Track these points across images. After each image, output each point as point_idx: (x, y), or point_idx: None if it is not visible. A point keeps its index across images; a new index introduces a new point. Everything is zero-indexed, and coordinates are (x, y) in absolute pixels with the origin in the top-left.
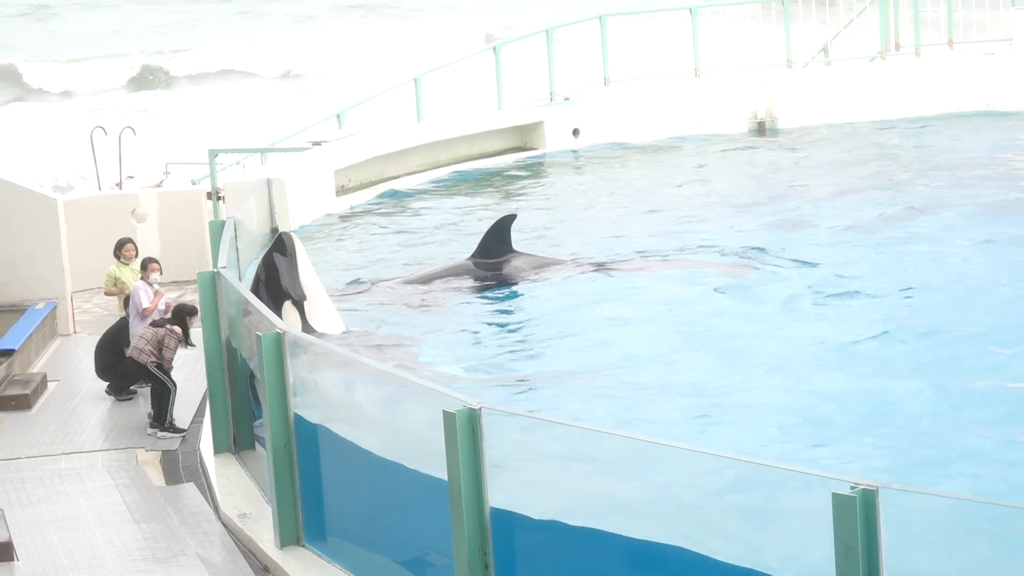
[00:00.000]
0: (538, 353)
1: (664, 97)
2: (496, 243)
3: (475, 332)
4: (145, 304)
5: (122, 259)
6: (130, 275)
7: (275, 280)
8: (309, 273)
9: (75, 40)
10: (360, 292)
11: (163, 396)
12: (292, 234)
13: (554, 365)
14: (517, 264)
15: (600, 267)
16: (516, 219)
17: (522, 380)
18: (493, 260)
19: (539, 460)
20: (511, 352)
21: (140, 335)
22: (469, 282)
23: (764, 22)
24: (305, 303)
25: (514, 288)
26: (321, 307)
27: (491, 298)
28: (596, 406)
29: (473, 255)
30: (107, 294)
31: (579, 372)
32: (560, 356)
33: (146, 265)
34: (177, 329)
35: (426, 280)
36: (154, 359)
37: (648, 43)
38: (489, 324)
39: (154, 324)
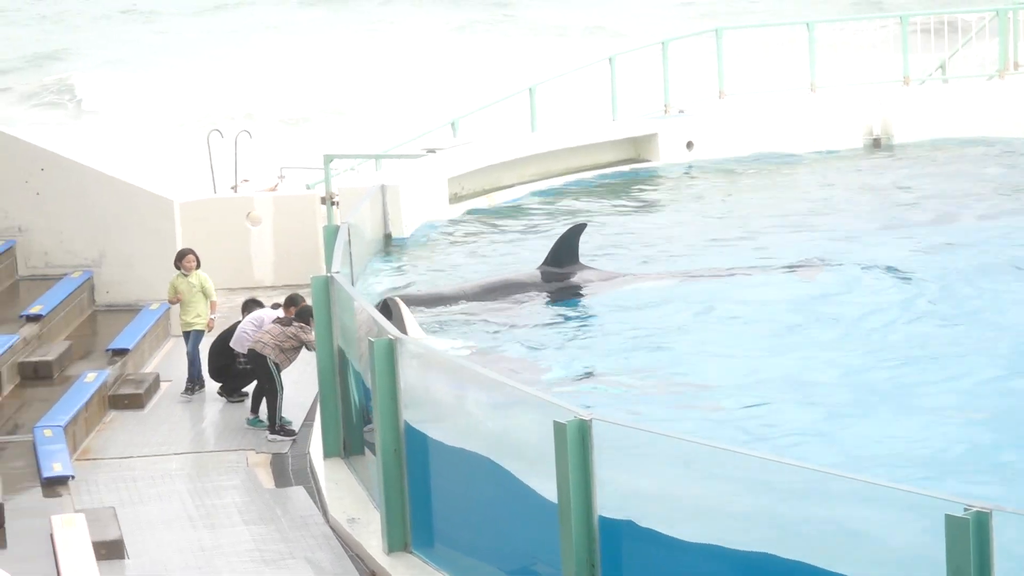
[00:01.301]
0: (625, 363)
1: (779, 111)
2: (566, 253)
3: (556, 343)
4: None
5: (182, 270)
6: (186, 287)
7: None
8: (417, 336)
9: (192, 43)
10: (430, 299)
11: (271, 397)
12: (397, 299)
13: (642, 375)
14: (586, 276)
15: (672, 278)
16: (586, 228)
17: (619, 390)
18: (562, 270)
19: (648, 471)
20: (598, 362)
21: (267, 330)
22: (540, 291)
23: (881, 38)
24: None
25: (588, 299)
26: None
27: (567, 309)
28: (691, 417)
29: (543, 264)
30: (170, 302)
31: (669, 383)
32: (646, 366)
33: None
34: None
35: (497, 288)
36: (275, 356)
37: (763, 57)
38: (571, 335)
39: (279, 322)
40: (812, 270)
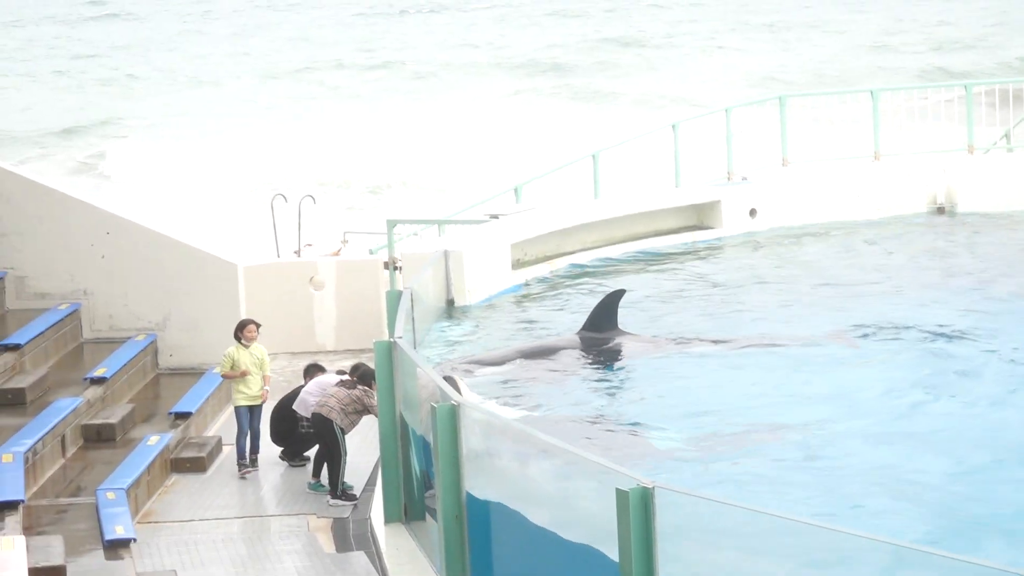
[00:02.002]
0: (676, 430)
1: (843, 179)
2: (605, 318)
3: (601, 408)
4: None
5: (243, 340)
6: (247, 358)
7: None
8: None
9: (256, 108)
10: (470, 366)
11: (334, 462)
12: (455, 378)
13: (693, 441)
14: (624, 341)
15: (713, 345)
16: (625, 294)
17: (678, 459)
18: (601, 335)
19: (710, 542)
20: (647, 428)
21: (331, 394)
22: (579, 357)
23: (946, 104)
24: None
25: (627, 364)
26: None
27: (606, 374)
28: (748, 485)
29: (582, 329)
30: (224, 376)
31: (720, 450)
32: (695, 433)
33: None
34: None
35: (536, 353)
36: (340, 420)
37: (827, 124)
38: (614, 400)
39: (344, 385)
40: (854, 338)
